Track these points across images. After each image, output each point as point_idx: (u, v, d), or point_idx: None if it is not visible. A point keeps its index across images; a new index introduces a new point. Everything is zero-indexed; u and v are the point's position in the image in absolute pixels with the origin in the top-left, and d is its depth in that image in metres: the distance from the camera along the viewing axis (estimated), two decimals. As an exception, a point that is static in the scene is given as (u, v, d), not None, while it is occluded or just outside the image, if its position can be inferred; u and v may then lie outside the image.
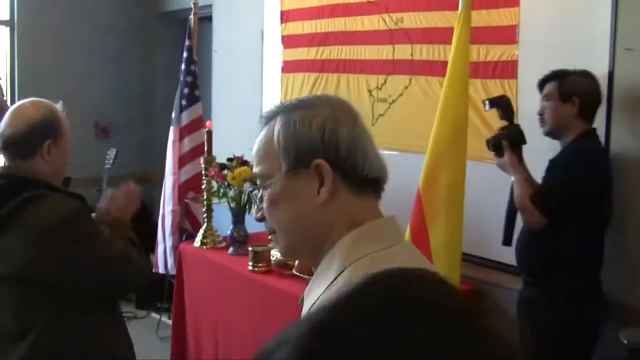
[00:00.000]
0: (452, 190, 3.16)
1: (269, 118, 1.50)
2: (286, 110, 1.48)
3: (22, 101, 2.67)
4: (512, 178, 3.38)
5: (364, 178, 1.44)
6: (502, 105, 3.46)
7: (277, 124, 1.46)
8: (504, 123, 3.46)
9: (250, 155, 4.91)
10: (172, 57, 7.87)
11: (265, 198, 1.48)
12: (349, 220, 1.43)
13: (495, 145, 3.39)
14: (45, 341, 2.52)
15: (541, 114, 3.39)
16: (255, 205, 1.55)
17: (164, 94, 7.85)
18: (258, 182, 1.51)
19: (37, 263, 2.47)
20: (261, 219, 1.52)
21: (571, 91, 3.30)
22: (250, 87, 5.89)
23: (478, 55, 3.93)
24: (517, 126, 3.45)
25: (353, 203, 1.44)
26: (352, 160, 1.42)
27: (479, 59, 3.94)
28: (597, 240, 3.34)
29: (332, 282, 1.38)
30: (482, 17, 3.91)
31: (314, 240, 1.45)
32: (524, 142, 3.40)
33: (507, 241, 3.50)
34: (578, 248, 3.27)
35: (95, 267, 2.55)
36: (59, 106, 2.68)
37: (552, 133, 3.39)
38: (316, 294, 1.40)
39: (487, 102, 3.46)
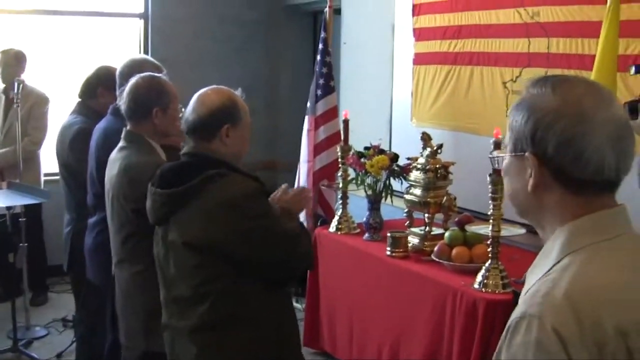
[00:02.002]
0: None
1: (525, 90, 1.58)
2: (527, 89, 1.56)
3: (204, 89, 2.94)
4: None
5: (578, 178, 1.48)
6: None
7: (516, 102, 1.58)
8: None
9: (384, 145, 4.99)
10: (296, 49, 8.13)
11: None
12: (563, 212, 1.51)
13: (631, 108, 3.42)
14: (219, 308, 2.76)
15: None
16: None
17: (288, 84, 8.11)
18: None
19: (214, 232, 2.71)
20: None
21: None
22: (380, 79, 6.05)
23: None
24: None
25: (567, 198, 1.50)
26: (561, 160, 1.47)
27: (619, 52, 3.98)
28: None
29: (549, 270, 1.48)
30: (623, 11, 3.95)
31: (531, 218, 1.60)
32: None
33: None
34: None
35: (267, 241, 2.78)
36: (238, 92, 2.95)
37: None
38: (534, 278, 1.51)
39: (633, 67, 3.48)
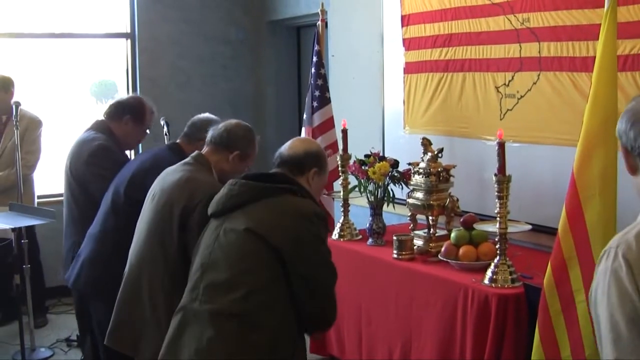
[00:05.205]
0: (605, 175, 3.35)
1: None
2: None
3: (302, 136, 3.28)
4: None
5: None
6: None
7: None
8: None
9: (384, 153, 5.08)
10: (280, 64, 8.25)
11: None
12: None
13: None
14: (250, 301, 2.85)
15: None
16: None
17: (274, 99, 8.23)
18: None
19: (278, 229, 2.89)
20: None
21: None
22: (371, 89, 6.20)
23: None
24: None
25: None
26: None
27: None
28: None
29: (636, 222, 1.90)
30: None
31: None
32: None
33: None
34: None
35: (316, 260, 2.97)
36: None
37: None
38: None
39: None
